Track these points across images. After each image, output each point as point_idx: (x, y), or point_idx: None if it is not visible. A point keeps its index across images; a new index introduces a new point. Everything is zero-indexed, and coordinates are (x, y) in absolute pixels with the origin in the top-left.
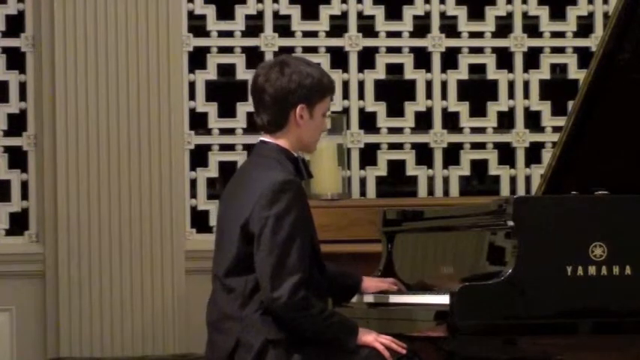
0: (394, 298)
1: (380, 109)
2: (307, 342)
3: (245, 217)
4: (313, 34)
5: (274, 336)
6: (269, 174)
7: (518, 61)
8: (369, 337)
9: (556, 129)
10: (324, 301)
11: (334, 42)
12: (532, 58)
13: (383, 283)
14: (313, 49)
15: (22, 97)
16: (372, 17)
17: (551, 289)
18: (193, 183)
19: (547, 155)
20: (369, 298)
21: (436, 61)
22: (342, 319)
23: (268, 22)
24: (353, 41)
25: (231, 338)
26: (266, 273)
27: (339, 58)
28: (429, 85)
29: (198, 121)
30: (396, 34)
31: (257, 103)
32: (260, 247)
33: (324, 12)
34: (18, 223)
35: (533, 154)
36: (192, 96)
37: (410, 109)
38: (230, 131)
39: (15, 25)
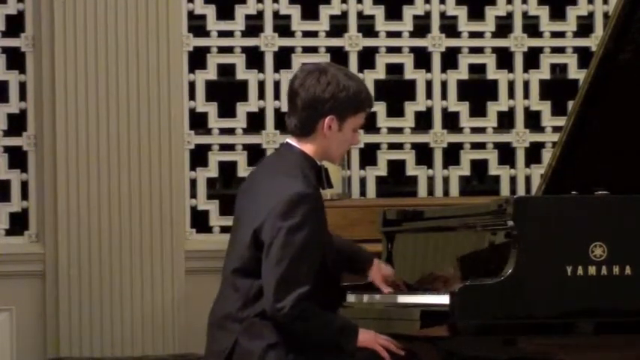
0: (394, 298)
1: (380, 109)
2: (307, 345)
3: (259, 223)
4: (313, 34)
5: (274, 340)
6: (289, 183)
7: (518, 61)
8: (368, 339)
9: (556, 129)
10: (330, 306)
11: (334, 42)
12: (532, 58)
13: (385, 286)
14: (313, 49)
15: (22, 97)
16: (372, 17)
17: (551, 289)
18: (193, 183)
19: (547, 155)
20: (369, 298)
21: (436, 61)
22: (343, 324)
23: (268, 22)
24: (353, 41)
25: (231, 338)
26: (271, 283)
27: (339, 58)
28: (429, 85)
29: (198, 121)
30: (396, 34)
31: (289, 106)
32: (268, 257)
33: (324, 12)
34: (18, 223)
35: (533, 154)
36: (192, 96)
37: (410, 109)
38: (230, 131)
39: (15, 25)
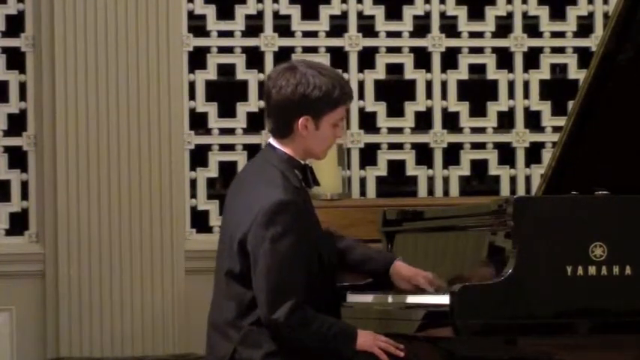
0: (394, 299)
1: (380, 109)
2: (306, 352)
3: (243, 233)
4: (313, 34)
5: (272, 348)
6: (269, 191)
7: (518, 61)
8: (367, 342)
9: (556, 129)
10: (329, 309)
11: (334, 42)
12: (532, 58)
13: (418, 277)
14: (313, 49)
15: (22, 97)
16: (372, 17)
17: (551, 289)
18: (193, 183)
19: (547, 155)
20: (368, 299)
21: (436, 61)
22: (341, 328)
23: (268, 22)
24: (353, 41)
25: (230, 345)
26: (263, 295)
27: (339, 58)
28: (429, 85)
29: (198, 121)
30: (396, 34)
31: (265, 107)
32: (257, 268)
33: (324, 12)
34: (18, 223)
35: (533, 154)
36: (192, 96)
37: (410, 109)
38: (230, 131)
39: (15, 25)
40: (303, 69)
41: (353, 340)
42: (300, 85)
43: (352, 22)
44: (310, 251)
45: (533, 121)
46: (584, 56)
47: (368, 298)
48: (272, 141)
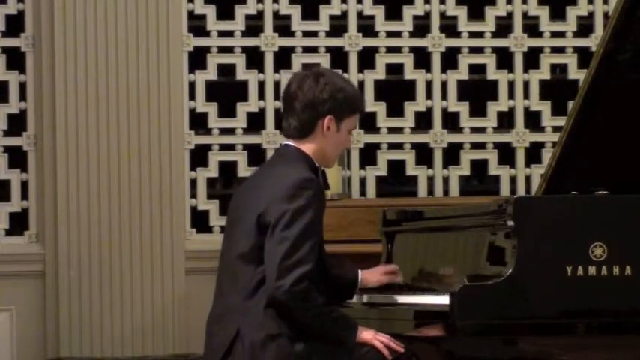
0: (394, 298)
1: (380, 109)
2: (308, 336)
3: (263, 208)
4: (313, 34)
5: (275, 331)
6: (292, 170)
7: (518, 61)
8: (368, 335)
9: (556, 129)
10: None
11: (334, 42)
12: (532, 58)
13: (384, 276)
14: (313, 49)
15: (22, 97)
16: (372, 17)
17: (551, 289)
18: (193, 183)
19: (547, 155)
20: (368, 298)
21: (436, 61)
22: (343, 316)
23: (268, 22)
24: (353, 41)
25: (232, 327)
26: (274, 261)
27: (339, 58)
28: (429, 85)
29: (198, 121)
30: (396, 34)
31: (286, 109)
32: (273, 236)
33: (324, 12)
34: (18, 223)
35: (533, 154)
36: (192, 96)
37: (410, 109)
38: (230, 131)
39: (15, 25)
40: (328, 73)
41: (353, 329)
42: (328, 85)
43: (352, 22)
44: (321, 232)
45: (533, 121)
46: (584, 56)
47: (368, 298)
48: (288, 141)
